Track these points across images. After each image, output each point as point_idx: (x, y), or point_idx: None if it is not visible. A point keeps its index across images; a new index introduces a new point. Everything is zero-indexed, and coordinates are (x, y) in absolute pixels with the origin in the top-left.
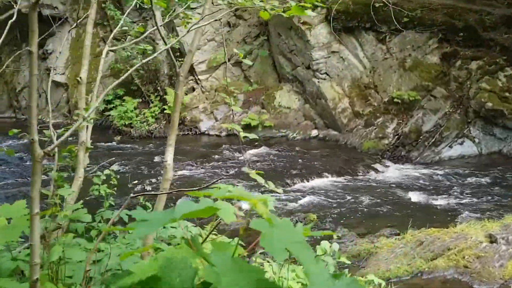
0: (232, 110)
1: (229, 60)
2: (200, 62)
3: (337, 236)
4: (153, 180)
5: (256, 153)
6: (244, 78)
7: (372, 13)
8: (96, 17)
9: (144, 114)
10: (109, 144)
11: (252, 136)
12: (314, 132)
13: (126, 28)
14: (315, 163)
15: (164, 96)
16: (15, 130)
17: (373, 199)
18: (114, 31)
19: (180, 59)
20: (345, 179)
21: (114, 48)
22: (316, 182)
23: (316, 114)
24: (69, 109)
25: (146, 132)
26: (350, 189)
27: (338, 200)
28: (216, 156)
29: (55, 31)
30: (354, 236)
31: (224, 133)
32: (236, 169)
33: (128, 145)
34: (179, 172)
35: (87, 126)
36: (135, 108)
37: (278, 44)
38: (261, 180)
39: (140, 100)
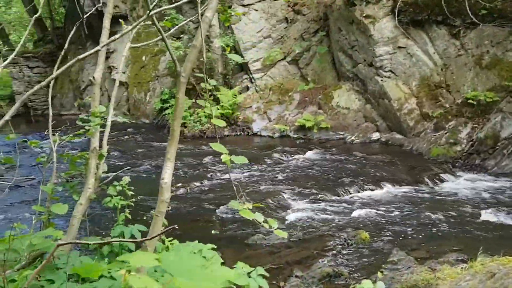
0: (212, 114)
1: (285, 57)
2: (254, 60)
3: (392, 261)
4: (196, 184)
5: (308, 157)
6: (301, 77)
7: (444, 5)
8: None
9: (197, 113)
10: (162, 143)
11: (240, 159)
12: (375, 135)
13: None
14: (374, 170)
15: (218, 96)
16: (12, 136)
17: (438, 215)
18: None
19: (231, 60)
20: (407, 190)
21: (136, 45)
22: (374, 192)
23: (378, 115)
24: (128, 108)
25: (198, 132)
26: (412, 203)
27: (397, 215)
28: (266, 159)
29: (117, 30)
30: (411, 261)
31: (277, 134)
32: (285, 174)
33: (180, 145)
34: (225, 175)
35: (100, 130)
36: (189, 108)
37: (338, 40)
38: (259, 219)
39: (194, 99)
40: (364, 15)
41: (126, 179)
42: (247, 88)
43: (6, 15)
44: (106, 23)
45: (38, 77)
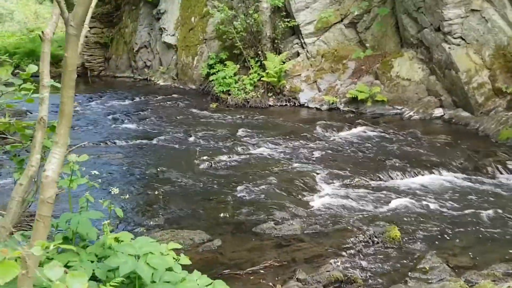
0: None
1: (341, 20)
2: (307, 23)
3: (423, 268)
4: (223, 158)
5: (355, 134)
6: (358, 42)
7: None
8: None
9: (242, 80)
10: (203, 112)
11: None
12: (438, 112)
13: None
14: (428, 152)
15: (263, 62)
16: None
17: (495, 213)
18: None
19: (287, 20)
20: (462, 179)
21: None
22: (423, 179)
23: (443, 89)
24: (177, 72)
25: (242, 100)
26: (465, 194)
27: (442, 209)
28: (307, 133)
29: None
30: (446, 271)
31: (325, 107)
32: (323, 152)
33: (220, 114)
34: (257, 150)
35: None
36: (235, 74)
37: (403, 1)
38: None
39: (240, 65)
40: None
41: (83, 157)
42: (298, 54)
43: None
44: None
45: (95, 38)
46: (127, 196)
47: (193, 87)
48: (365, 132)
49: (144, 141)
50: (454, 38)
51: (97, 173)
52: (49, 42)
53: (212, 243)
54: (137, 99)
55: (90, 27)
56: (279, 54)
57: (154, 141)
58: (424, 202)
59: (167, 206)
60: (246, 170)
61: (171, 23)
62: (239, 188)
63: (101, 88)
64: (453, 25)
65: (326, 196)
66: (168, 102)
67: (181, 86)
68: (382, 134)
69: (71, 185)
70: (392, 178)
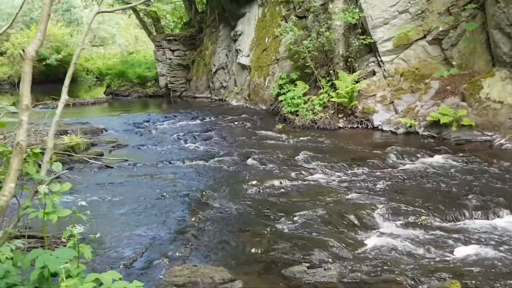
0: None
1: (424, 36)
2: (384, 40)
3: None
4: (274, 183)
5: (432, 163)
6: (443, 60)
7: None
8: None
9: (312, 101)
10: (268, 133)
11: None
12: None
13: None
14: None
15: (333, 81)
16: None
17: None
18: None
19: (362, 37)
20: None
21: (106, 10)
22: (504, 222)
23: None
24: (249, 93)
25: (310, 121)
26: None
27: None
28: (375, 160)
29: (245, 12)
30: None
31: (401, 130)
32: (390, 182)
33: (285, 135)
34: (314, 176)
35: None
36: (304, 94)
37: (494, 14)
38: None
39: (311, 85)
40: None
41: (65, 186)
42: (373, 73)
43: None
44: None
45: (178, 60)
46: (163, 220)
47: (264, 107)
48: (445, 161)
49: (200, 162)
50: None
51: (84, 204)
52: (30, 61)
53: (232, 285)
54: (207, 119)
55: (173, 50)
56: (352, 73)
57: (210, 163)
58: (501, 253)
59: (199, 235)
60: (295, 199)
61: (246, 44)
62: (281, 219)
63: (179, 108)
64: None
65: (381, 235)
66: (235, 123)
67: (252, 107)
68: (466, 164)
69: (50, 217)
70: (469, 219)
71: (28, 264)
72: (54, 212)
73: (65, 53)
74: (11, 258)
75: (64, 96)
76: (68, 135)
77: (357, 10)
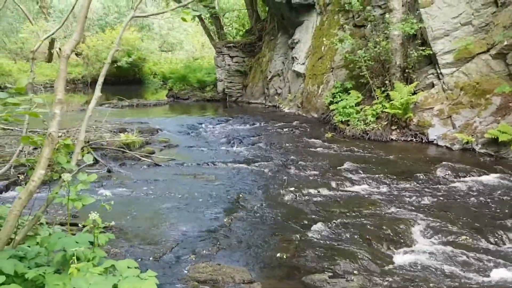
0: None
1: (488, 50)
2: (445, 52)
3: None
4: (311, 191)
5: (485, 182)
6: (508, 76)
7: None
8: (340, 3)
9: (365, 111)
10: (316, 141)
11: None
12: None
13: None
14: None
15: (388, 92)
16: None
17: None
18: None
19: (422, 48)
20: None
21: (141, 15)
22: None
23: None
24: (302, 100)
25: (361, 132)
26: None
27: None
28: (424, 175)
29: (303, 20)
30: None
31: (457, 146)
32: (434, 199)
33: (333, 145)
34: (354, 187)
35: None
36: (357, 104)
37: None
38: None
39: (366, 95)
40: None
41: (91, 176)
42: (432, 86)
43: (223, 4)
44: None
45: (237, 66)
46: (198, 219)
47: (315, 115)
48: (499, 181)
49: (243, 166)
50: None
51: (108, 194)
52: (66, 59)
53: (251, 286)
54: (258, 124)
55: (232, 56)
56: (409, 85)
57: (252, 167)
58: None
59: (229, 235)
60: (331, 208)
61: (302, 52)
62: (313, 227)
63: (233, 112)
64: None
65: (416, 252)
66: (285, 129)
67: (304, 114)
68: None
69: (75, 204)
70: (509, 242)
71: (54, 247)
72: (80, 200)
73: (135, 56)
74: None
75: (97, 93)
76: (126, 133)
77: (416, 21)
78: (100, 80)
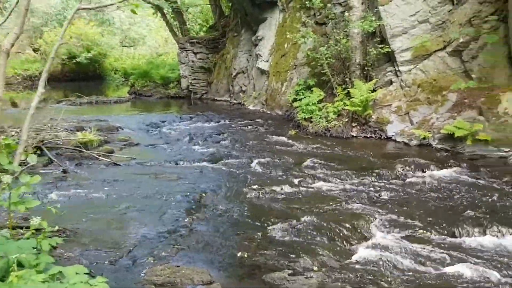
0: None
1: (444, 47)
2: (403, 50)
3: None
4: (275, 189)
5: (442, 177)
6: (463, 73)
7: None
8: (301, 0)
9: (326, 108)
10: (280, 138)
11: None
12: None
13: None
14: None
15: (349, 89)
16: None
17: None
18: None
19: (381, 46)
20: None
21: (86, 7)
22: (507, 241)
23: None
24: (266, 98)
25: (323, 129)
26: None
27: None
28: (383, 170)
29: (266, 17)
30: None
31: (415, 142)
32: (393, 194)
33: (296, 142)
34: (316, 184)
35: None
36: (320, 101)
37: None
38: None
39: (328, 93)
40: None
41: (35, 178)
42: (390, 83)
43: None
44: None
45: (201, 63)
46: (158, 219)
47: (280, 112)
48: (456, 175)
49: (207, 164)
50: None
51: (54, 197)
52: (6, 54)
53: (209, 287)
54: (222, 122)
55: (196, 52)
56: (369, 82)
57: (215, 165)
58: (497, 273)
59: (189, 236)
60: (293, 205)
61: (266, 49)
62: (275, 225)
63: (197, 110)
64: None
65: (374, 247)
66: (249, 127)
67: (268, 112)
68: (477, 179)
69: (18, 207)
70: (469, 236)
71: None
72: (23, 203)
73: (95, 52)
74: None
75: (40, 89)
76: (83, 131)
77: (374, 19)
78: (44, 75)
